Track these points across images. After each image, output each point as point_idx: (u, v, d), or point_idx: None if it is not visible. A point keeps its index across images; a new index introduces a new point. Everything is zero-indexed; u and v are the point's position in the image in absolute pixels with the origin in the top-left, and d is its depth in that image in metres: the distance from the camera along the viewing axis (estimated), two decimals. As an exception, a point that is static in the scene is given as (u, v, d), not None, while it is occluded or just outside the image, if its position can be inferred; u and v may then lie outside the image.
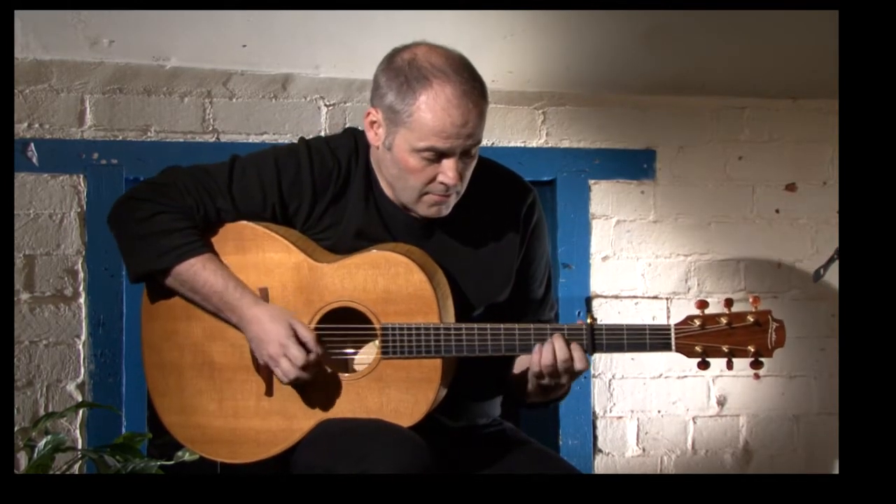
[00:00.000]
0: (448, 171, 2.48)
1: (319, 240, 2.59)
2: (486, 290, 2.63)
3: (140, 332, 2.66)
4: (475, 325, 2.49)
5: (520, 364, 2.59)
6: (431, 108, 2.44)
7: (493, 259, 2.63)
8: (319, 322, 2.53)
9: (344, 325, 2.52)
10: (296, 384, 2.51)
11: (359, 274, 2.51)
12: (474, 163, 2.55)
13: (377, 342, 2.51)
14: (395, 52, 2.53)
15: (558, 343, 2.47)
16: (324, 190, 2.58)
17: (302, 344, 2.48)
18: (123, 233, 2.57)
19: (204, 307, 2.55)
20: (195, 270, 2.52)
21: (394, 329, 2.49)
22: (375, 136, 2.54)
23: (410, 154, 2.48)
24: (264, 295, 2.54)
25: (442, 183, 2.50)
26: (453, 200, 2.55)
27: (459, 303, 2.57)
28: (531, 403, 2.65)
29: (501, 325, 2.49)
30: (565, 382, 2.52)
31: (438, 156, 2.48)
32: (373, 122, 2.54)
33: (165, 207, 2.53)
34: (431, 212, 2.55)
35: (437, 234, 2.61)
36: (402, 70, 2.47)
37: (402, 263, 2.50)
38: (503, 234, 2.64)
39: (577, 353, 2.48)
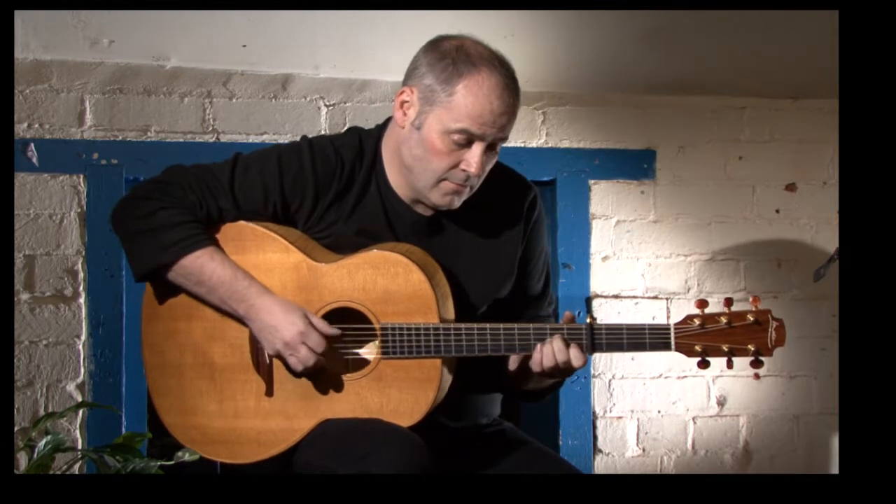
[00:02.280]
0: (472, 158, 2.49)
1: (320, 238, 2.59)
2: (490, 287, 2.63)
3: (140, 333, 2.66)
4: (475, 325, 2.49)
5: (514, 359, 2.59)
6: (474, 93, 2.47)
7: (495, 256, 2.64)
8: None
9: (344, 325, 2.52)
10: (298, 381, 2.52)
11: (358, 274, 2.51)
12: (495, 160, 2.57)
13: (377, 342, 2.51)
14: (442, 38, 2.55)
15: (557, 345, 2.47)
16: (327, 188, 2.58)
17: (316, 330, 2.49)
18: (126, 230, 2.57)
19: (208, 300, 2.55)
20: (202, 262, 2.52)
21: (393, 329, 2.49)
22: (404, 116, 2.54)
23: (441, 135, 2.49)
24: (265, 293, 2.55)
25: (463, 170, 2.50)
26: (466, 194, 2.55)
27: (463, 300, 2.58)
28: (525, 393, 2.65)
29: (501, 325, 2.49)
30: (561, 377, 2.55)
31: (468, 141, 2.49)
32: (404, 103, 2.54)
33: (168, 203, 2.53)
34: (444, 201, 2.55)
35: (440, 232, 2.61)
36: (450, 53, 2.50)
37: (402, 263, 2.50)
38: (505, 232, 2.65)
39: (574, 352, 2.48)
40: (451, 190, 2.53)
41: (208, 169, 2.59)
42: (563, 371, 2.50)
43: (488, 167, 2.55)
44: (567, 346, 2.48)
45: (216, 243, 2.55)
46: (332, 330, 2.50)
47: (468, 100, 2.47)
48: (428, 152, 2.51)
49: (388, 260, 2.50)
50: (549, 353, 2.48)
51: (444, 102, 2.48)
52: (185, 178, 2.56)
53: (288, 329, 2.48)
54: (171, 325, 2.61)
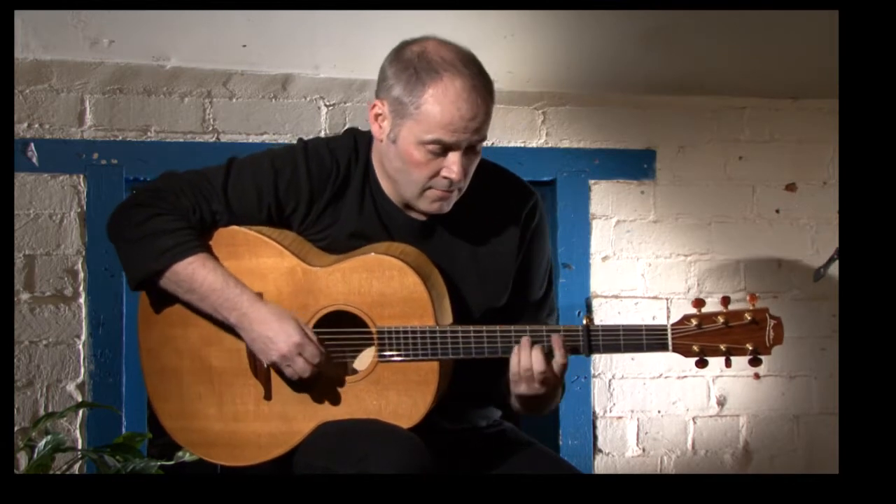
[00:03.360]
0: (452, 165, 2.47)
1: (315, 240, 2.58)
2: (484, 293, 2.61)
3: (137, 339, 2.65)
4: (471, 328, 2.48)
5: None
6: (440, 101, 2.43)
7: (491, 262, 2.62)
8: (315, 326, 2.52)
9: (340, 328, 2.52)
10: (297, 386, 2.52)
11: (353, 277, 2.50)
12: (478, 160, 2.54)
13: (374, 345, 2.50)
14: (404, 45, 2.51)
15: (533, 350, 2.44)
16: (321, 190, 2.57)
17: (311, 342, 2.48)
18: (121, 239, 2.56)
19: (200, 308, 2.53)
20: (193, 268, 2.51)
21: (389, 332, 2.48)
22: (380, 129, 2.53)
23: (416, 147, 2.47)
24: (260, 300, 2.55)
25: (446, 177, 2.48)
26: (455, 197, 2.54)
27: (458, 305, 2.57)
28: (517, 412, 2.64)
29: (497, 327, 2.48)
30: (546, 392, 2.48)
31: (444, 149, 2.47)
32: (377, 115, 2.52)
33: (161, 210, 2.52)
34: (433, 207, 2.54)
35: (436, 235, 2.60)
36: (412, 62, 2.46)
37: (396, 266, 2.49)
38: (502, 237, 2.63)
39: (537, 355, 2.43)
40: (438, 197, 2.52)
41: (202, 173, 2.58)
42: (540, 383, 2.46)
43: (471, 169, 2.52)
44: (531, 346, 2.43)
45: (209, 250, 2.54)
46: (321, 347, 2.48)
47: (436, 109, 2.43)
48: (407, 164, 2.49)
49: (383, 263, 2.49)
50: (525, 355, 2.43)
51: (414, 115, 2.45)
52: (179, 184, 2.55)
53: (284, 341, 2.47)
54: (168, 330, 2.60)
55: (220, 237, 2.56)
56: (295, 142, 2.65)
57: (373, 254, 2.51)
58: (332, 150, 2.59)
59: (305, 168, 2.56)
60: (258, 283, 2.53)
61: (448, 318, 2.53)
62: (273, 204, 2.56)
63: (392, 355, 2.48)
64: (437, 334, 2.47)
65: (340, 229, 2.57)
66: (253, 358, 2.54)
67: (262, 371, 2.54)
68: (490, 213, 2.62)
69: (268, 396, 2.54)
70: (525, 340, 2.45)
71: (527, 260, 2.65)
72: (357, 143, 2.61)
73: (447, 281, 2.56)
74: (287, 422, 2.53)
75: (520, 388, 2.47)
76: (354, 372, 2.53)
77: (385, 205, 2.59)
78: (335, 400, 2.52)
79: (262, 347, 2.49)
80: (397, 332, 2.48)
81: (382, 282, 2.49)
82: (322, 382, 2.52)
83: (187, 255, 2.50)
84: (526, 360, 2.44)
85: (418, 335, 2.47)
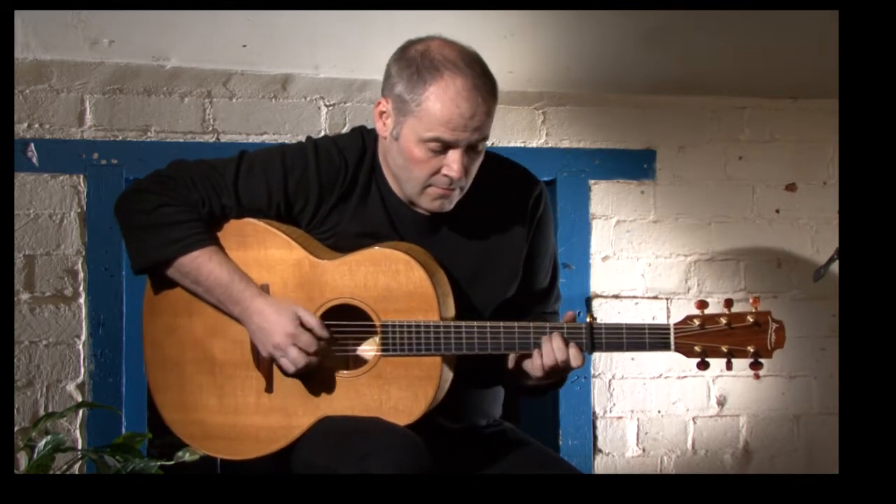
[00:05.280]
0: (453, 163, 2.48)
1: (323, 238, 2.59)
2: (495, 286, 2.63)
3: (141, 328, 2.66)
4: (475, 323, 2.49)
5: (513, 358, 2.58)
6: (440, 99, 2.45)
7: (500, 254, 2.63)
8: (320, 318, 2.53)
9: (344, 321, 2.53)
10: (298, 378, 2.52)
11: (359, 271, 2.52)
12: (480, 159, 2.55)
13: (377, 339, 2.51)
14: (409, 44, 2.54)
15: (556, 343, 2.47)
16: (330, 189, 2.58)
17: (308, 330, 2.49)
18: (128, 223, 2.58)
19: (206, 300, 2.55)
20: (199, 262, 2.52)
21: (394, 326, 2.49)
22: (384, 127, 2.54)
23: (417, 144, 2.48)
24: (265, 291, 2.55)
25: (446, 175, 2.50)
26: (457, 196, 2.55)
27: (465, 299, 2.57)
28: (527, 389, 2.65)
29: (501, 324, 2.49)
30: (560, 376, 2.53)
31: (444, 147, 2.48)
32: (382, 113, 2.54)
33: (171, 200, 2.53)
34: (434, 205, 2.55)
35: (443, 230, 2.61)
36: (415, 60, 2.48)
37: (403, 261, 2.50)
38: (510, 228, 2.64)
39: (573, 351, 2.48)
40: (438, 195, 2.53)
41: (213, 166, 2.59)
42: (562, 370, 2.50)
43: (473, 168, 2.54)
44: (566, 344, 2.47)
45: (216, 243, 2.56)
46: (324, 332, 2.50)
47: (436, 107, 2.45)
48: (408, 161, 2.51)
49: (390, 257, 2.51)
50: (548, 351, 2.47)
51: (415, 112, 2.47)
52: (190, 175, 2.57)
53: (278, 332, 2.48)
54: (172, 321, 2.61)
55: (229, 228, 2.58)
56: (296, 141, 2.66)
57: (378, 247, 2.53)
58: (342, 149, 2.60)
59: (315, 167, 2.57)
60: (265, 274, 2.54)
61: (451, 317, 2.53)
62: (282, 202, 2.57)
63: (395, 350, 2.49)
64: (441, 329, 2.48)
65: (348, 228, 2.58)
66: (256, 350, 2.55)
67: (265, 363, 2.54)
68: (496, 205, 2.63)
69: (269, 389, 2.55)
70: (558, 336, 2.47)
71: (534, 248, 2.67)
72: (365, 142, 2.63)
73: (455, 273, 2.57)
74: (287, 416, 2.54)
75: (536, 373, 2.50)
76: (357, 366, 2.54)
77: (392, 201, 2.60)
78: (336, 394, 2.52)
79: (260, 339, 2.51)
80: (401, 327, 2.48)
81: (388, 276, 2.50)
82: (323, 376, 2.52)
83: (194, 248, 2.52)
84: (549, 357, 2.47)
85: (422, 329, 2.48)
